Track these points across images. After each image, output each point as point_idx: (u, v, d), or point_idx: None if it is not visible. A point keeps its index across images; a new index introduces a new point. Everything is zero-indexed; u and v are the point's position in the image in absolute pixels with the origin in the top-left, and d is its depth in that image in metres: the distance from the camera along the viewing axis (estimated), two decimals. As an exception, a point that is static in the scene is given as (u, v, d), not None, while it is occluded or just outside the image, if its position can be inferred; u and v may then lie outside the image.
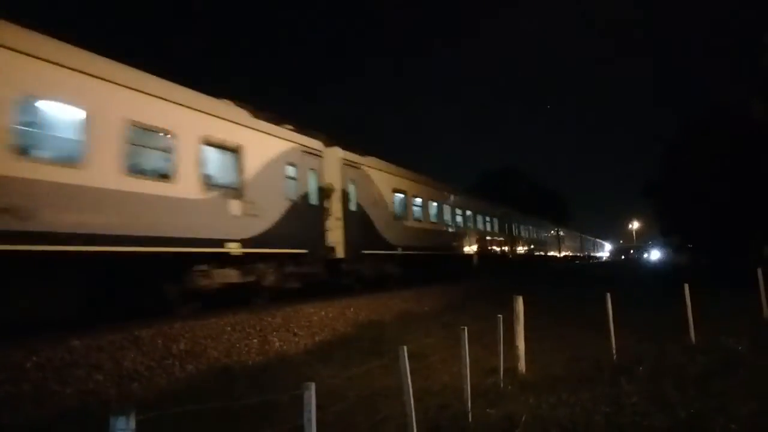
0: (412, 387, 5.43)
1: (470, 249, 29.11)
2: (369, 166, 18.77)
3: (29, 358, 6.96)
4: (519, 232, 41.92)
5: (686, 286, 10.96)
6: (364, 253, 17.46)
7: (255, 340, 10.27)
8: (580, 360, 9.42)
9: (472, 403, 6.65)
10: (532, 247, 46.42)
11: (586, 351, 9.91)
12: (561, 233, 65.80)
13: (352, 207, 17.07)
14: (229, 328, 10.01)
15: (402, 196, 21.17)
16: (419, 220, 22.77)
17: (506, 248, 37.48)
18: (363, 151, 18.92)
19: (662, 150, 47.68)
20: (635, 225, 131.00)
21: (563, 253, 66.34)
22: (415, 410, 5.42)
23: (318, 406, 3.89)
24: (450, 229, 26.57)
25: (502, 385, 7.85)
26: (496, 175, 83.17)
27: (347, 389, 7.17)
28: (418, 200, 22.88)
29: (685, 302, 10.96)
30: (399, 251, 20.11)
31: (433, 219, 24.25)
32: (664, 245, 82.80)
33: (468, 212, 29.42)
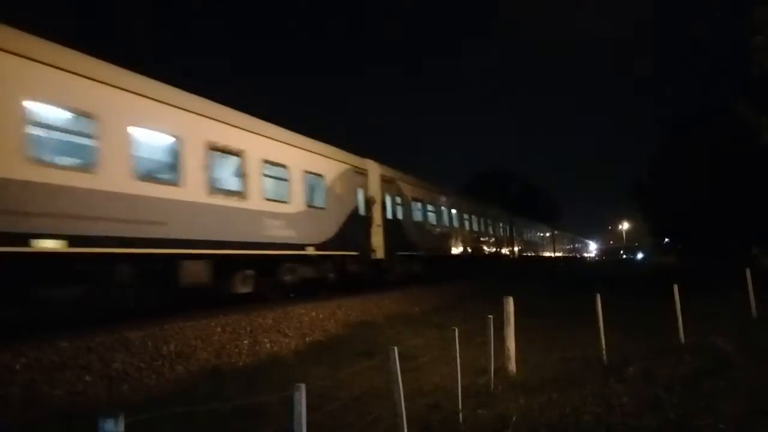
0: (403, 387, 5.43)
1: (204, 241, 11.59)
2: None
3: (18, 359, 6.91)
4: (409, 215, 23.35)
5: (675, 287, 11.02)
6: None
7: (246, 341, 10.24)
8: (570, 360, 9.45)
9: (462, 404, 6.66)
10: (449, 243, 28.26)
11: (576, 351, 9.94)
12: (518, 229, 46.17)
13: None
14: (219, 329, 9.98)
15: None
16: None
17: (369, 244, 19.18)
18: None
19: (651, 152, 48.10)
20: (625, 226, 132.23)
21: (524, 253, 48.34)
22: (406, 411, 5.41)
23: (308, 407, 3.88)
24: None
25: (492, 385, 7.86)
26: (487, 177, 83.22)
27: (338, 390, 7.15)
28: None
29: (674, 302, 11.01)
30: None
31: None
32: (653, 246, 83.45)
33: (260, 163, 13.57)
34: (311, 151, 16.27)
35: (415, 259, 23.15)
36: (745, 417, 6.29)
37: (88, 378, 7.40)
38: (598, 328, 9.70)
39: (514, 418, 6.32)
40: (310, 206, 15.68)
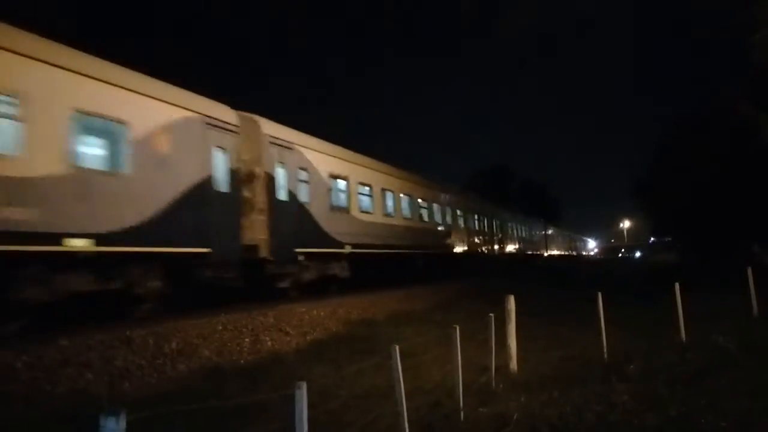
0: (404, 386, 5.43)
1: None
2: None
3: (19, 357, 6.92)
4: (324, 198, 16.86)
5: (677, 285, 11.01)
6: None
7: (247, 340, 10.25)
8: (571, 358, 9.45)
9: (463, 402, 6.65)
10: (396, 238, 21.30)
11: (577, 349, 9.94)
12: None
13: None
14: (220, 327, 10.00)
15: None
16: None
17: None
18: None
19: (653, 150, 48.10)
20: (626, 224, 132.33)
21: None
22: (407, 409, 5.42)
23: (310, 405, 3.88)
24: None
25: (493, 384, 7.86)
26: (488, 174, 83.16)
27: (339, 388, 7.16)
28: None
29: (675, 301, 11.00)
30: None
31: None
32: (656, 244, 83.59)
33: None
34: (100, 80, 9.87)
35: (335, 259, 17.30)
36: (746, 415, 6.29)
37: (89, 376, 7.42)
38: (599, 327, 9.70)
39: (515, 417, 6.32)
40: (81, 168, 9.44)
